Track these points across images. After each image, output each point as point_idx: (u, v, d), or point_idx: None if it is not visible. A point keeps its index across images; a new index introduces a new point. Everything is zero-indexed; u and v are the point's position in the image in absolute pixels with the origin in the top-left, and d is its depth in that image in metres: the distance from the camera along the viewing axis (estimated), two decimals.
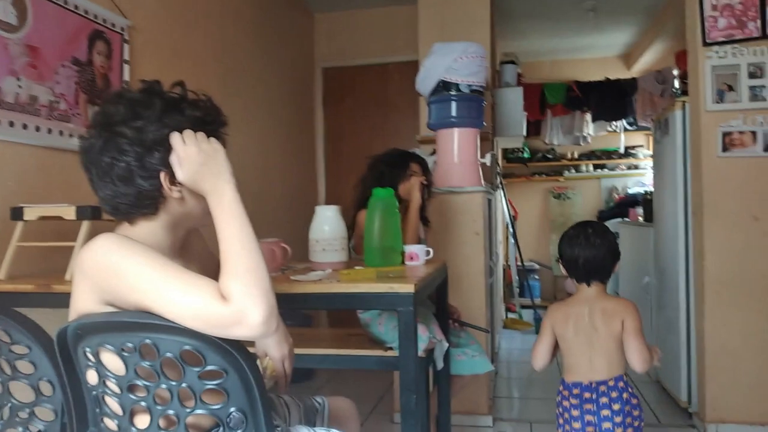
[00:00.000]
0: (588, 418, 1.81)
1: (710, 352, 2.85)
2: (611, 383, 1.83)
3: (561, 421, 1.90)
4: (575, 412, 1.84)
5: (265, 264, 1.03)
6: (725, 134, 2.81)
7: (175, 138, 1.10)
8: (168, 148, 1.10)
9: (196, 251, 1.34)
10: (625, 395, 1.83)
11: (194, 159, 1.09)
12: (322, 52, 4.90)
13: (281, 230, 3.70)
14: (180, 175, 1.10)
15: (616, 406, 1.80)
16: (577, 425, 1.83)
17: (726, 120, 2.81)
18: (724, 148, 2.81)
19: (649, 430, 2.95)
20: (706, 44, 2.84)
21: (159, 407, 1.04)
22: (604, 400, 1.81)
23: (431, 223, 2.66)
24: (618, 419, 1.79)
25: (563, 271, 2.00)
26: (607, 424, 1.79)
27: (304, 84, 4.71)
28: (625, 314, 1.88)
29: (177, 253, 1.21)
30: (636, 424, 1.83)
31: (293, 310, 2.12)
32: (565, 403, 1.88)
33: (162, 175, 1.10)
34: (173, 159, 1.10)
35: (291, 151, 4.37)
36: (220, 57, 3.36)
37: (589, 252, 1.89)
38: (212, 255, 1.44)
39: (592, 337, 1.87)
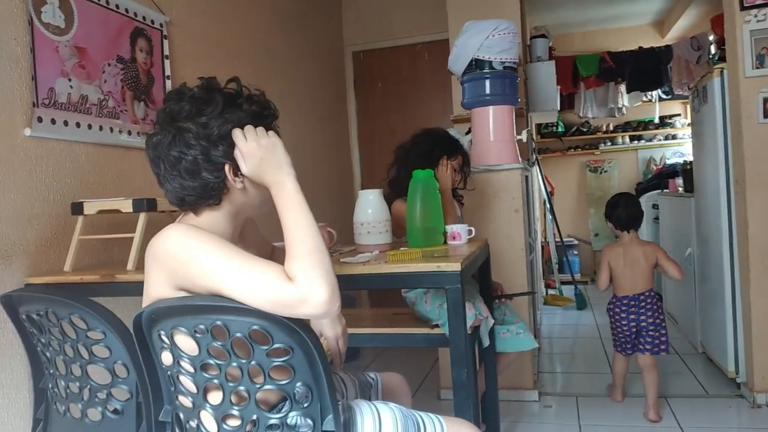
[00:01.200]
0: (632, 317, 2.82)
1: (757, 321, 2.83)
2: (647, 293, 2.84)
3: (612, 322, 2.91)
4: (623, 315, 2.84)
5: (326, 247, 1.09)
6: (766, 100, 2.76)
7: (236, 134, 1.16)
8: (231, 142, 1.16)
9: (252, 238, 1.41)
10: (655, 300, 2.84)
11: (255, 153, 1.15)
12: (350, 36, 4.92)
13: (321, 214, 3.75)
14: (244, 168, 1.16)
15: (650, 311, 2.82)
16: (625, 323, 2.84)
17: (767, 85, 2.75)
18: (766, 114, 2.76)
19: (697, 402, 2.95)
20: (743, 8, 2.78)
21: (231, 384, 1.11)
22: (642, 305, 2.82)
23: (468, 201, 2.68)
24: (651, 318, 2.81)
25: (611, 229, 2.96)
26: (643, 321, 2.81)
27: (335, 69, 4.75)
28: (657, 250, 2.90)
29: (236, 240, 1.27)
30: (661, 319, 2.83)
31: (344, 291, 2.16)
32: (617, 310, 2.87)
33: (226, 168, 1.16)
34: (237, 154, 1.16)
35: (326, 135, 4.42)
36: (252, 47, 3.42)
37: (627, 211, 2.89)
38: (266, 241, 1.50)
39: (634, 265, 2.85)
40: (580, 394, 3.13)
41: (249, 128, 1.17)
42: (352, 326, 2.10)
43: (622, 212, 2.87)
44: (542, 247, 5.79)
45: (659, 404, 2.79)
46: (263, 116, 1.22)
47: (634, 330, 2.81)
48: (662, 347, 2.79)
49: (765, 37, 2.76)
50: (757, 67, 2.77)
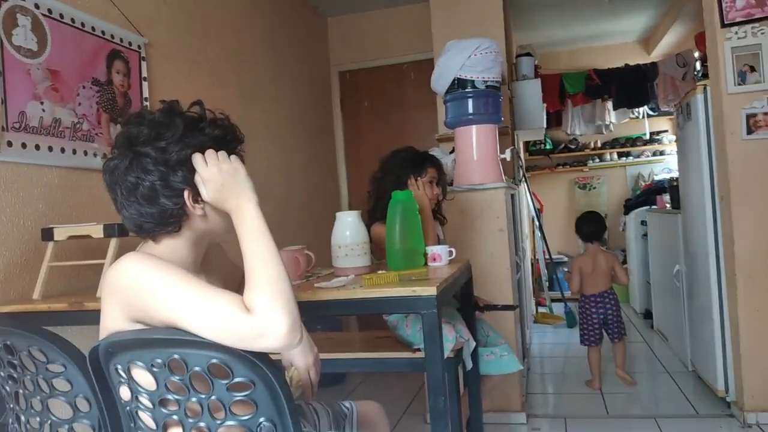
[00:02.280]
0: (600, 311, 3.54)
1: (746, 339, 2.79)
2: (608, 291, 3.57)
3: (583, 317, 3.60)
4: (593, 309, 3.56)
5: (287, 276, 1.05)
6: (749, 116, 2.75)
7: (197, 159, 1.12)
8: (190, 168, 1.13)
9: (218, 264, 1.37)
10: (615, 297, 3.58)
11: (216, 179, 1.12)
12: (337, 55, 4.93)
13: (306, 235, 3.73)
14: (205, 194, 1.13)
15: (611, 305, 3.55)
16: (594, 316, 3.55)
17: (749, 102, 2.75)
18: (749, 131, 2.75)
19: (688, 422, 2.91)
20: (724, 25, 2.78)
21: (191, 420, 1.07)
22: (606, 300, 3.54)
23: (452, 221, 2.65)
24: (612, 309, 3.54)
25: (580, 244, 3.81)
26: (610, 312, 3.53)
27: (321, 89, 4.74)
28: (614, 259, 3.64)
29: (200, 267, 1.23)
30: (620, 311, 3.59)
31: (318, 316, 2.13)
32: (587, 306, 3.58)
33: (186, 194, 1.13)
34: (197, 179, 1.13)
35: (312, 155, 4.40)
36: (237, 68, 3.40)
37: (589, 227, 3.66)
38: (235, 266, 1.46)
39: (598, 269, 3.58)
40: (569, 416, 3.08)
41: (210, 153, 1.13)
42: (334, 351, 2.07)
43: (585, 227, 3.66)
44: (532, 264, 5.76)
45: (627, 371, 3.59)
46: (226, 141, 1.19)
47: (601, 321, 3.53)
48: (623, 332, 3.56)
49: (746, 54, 2.77)
50: (739, 84, 2.77)
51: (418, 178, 2.36)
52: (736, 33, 2.77)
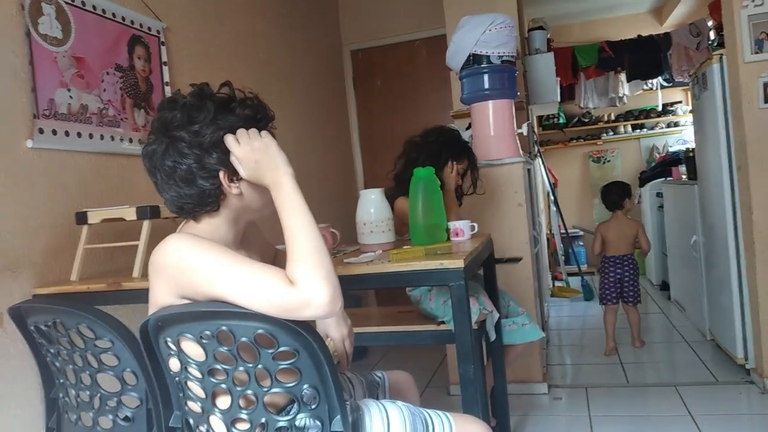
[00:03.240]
0: (618, 271, 3.72)
1: (765, 306, 2.82)
2: (628, 255, 3.73)
3: (603, 276, 3.79)
4: (611, 269, 3.74)
5: (326, 248, 1.09)
6: (766, 84, 2.75)
7: (229, 140, 1.16)
8: (224, 149, 1.16)
9: (255, 242, 1.41)
10: (634, 262, 3.74)
11: (250, 156, 1.15)
12: (348, 34, 4.93)
13: (324, 214, 3.77)
14: (242, 173, 1.17)
15: (629, 269, 3.72)
16: (612, 276, 3.74)
17: (766, 70, 2.74)
18: (766, 99, 2.75)
19: (707, 389, 2.95)
20: None
21: (238, 388, 1.12)
22: (625, 263, 3.72)
23: (470, 197, 2.68)
24: (629, 274, 3.71)
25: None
26: (626, 276, 3.71)
27: (334, 68, 4.75)
28: (638, 226, 3.80)
29: (239, 245, 1.28)
30: (637, 276, 3.75)
31: (348, 291, 2.18)
32: (606, 265, 3.76)
33: (221, 174, 1.17)
34: (233, 159, 1.17)
35: (327, 135, 4.43)
36: (251, 50, 3.43)
37: (610, 197, 3.82)
38: (269, 244, 1.51)
39: (620, 235, 3.74)
40: (589, 385, 3.13)
41: (241, 132, 1.17)
42: (358, 325, 2.12)
43: (607, 198, 3.84)
44: (548, 239, 5.79)
45: (641, 336, 3.78)
46: (257, 120, 1.22)
47: (618, 282, 3.72)
48: (638, 298, 3.73)
49: (763, 22, 2.75)
50: (756, 52, 2.76)
51: (455, 163, 2.41)
52: (753, 1, 2.75)
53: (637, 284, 3.72)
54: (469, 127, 3.18)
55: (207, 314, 1.09)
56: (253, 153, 1.16)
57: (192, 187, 1.17)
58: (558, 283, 5.66)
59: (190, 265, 1.09)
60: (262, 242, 1.47)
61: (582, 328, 4.45)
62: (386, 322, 2.29)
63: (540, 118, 6.69)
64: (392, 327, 2.13)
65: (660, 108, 6.58)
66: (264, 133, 1.19)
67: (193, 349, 1.12)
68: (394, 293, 4.20)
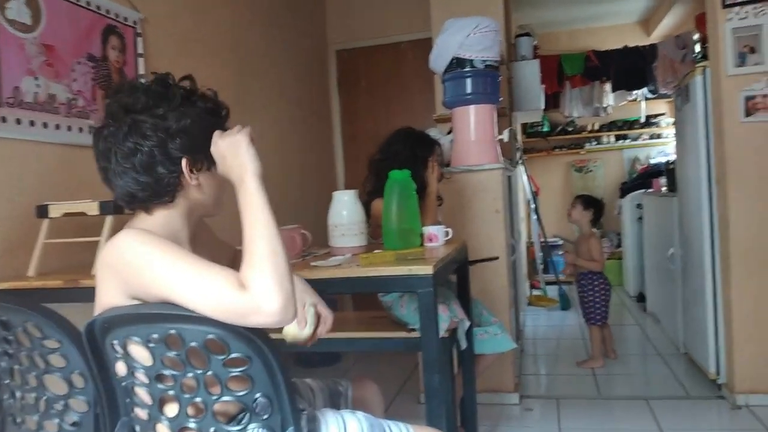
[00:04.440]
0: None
1: (738, 322, 2.82)
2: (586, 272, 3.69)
3: (606, 295, 3.60)
4: (608, 286, 3.63)
5: (283, 252, 1.04)
6: (748, 98, 2.74)
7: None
8: (189, 137, 1.13)
9: (207, 241, 1.36)
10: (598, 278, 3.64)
11: (217, 152, 1.15)
12: (334, 34, 4.88)
13: (303, 215, 3.71)
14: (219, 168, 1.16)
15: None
16: (608, 293, 3.58)
17: (748, 84, 2.74)
18: (747, 113, 2.75)
19: (678, 403, 2.94)
20: (725, 6, 2.76)
21: (186, 395, 1.07)
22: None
23: (447, 202, 2.65)
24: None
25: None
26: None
27: (318, 67, 4.70)
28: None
29: (190, 242, 1.23)
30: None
31: (322, 295, 2.13)
32: (605, 282, 3.61)
33: (184, 162, 1.13)
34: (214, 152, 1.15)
35: (308, 135, 4.38)
36: (233, 44, 3.37)
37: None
38: (224, 244, 1.46)
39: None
40: (561, 396, 3.11)
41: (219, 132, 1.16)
42: (330, 330, 2.07)
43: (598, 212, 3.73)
44: (527, 247, 5.78)
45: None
46: (218, 114, 1.20)
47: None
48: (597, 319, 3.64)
49: (747, 35, 2.75)
50: (739, 65, 2.76)
51: (430, 159, 2.38)
52: (737, 14, 2.76)
53: (600, 303, 3.61)
54: (450, 131, 3.15)
55: (155, 317, 1.04)
56: (221, 149, 1.14)
57: (150, 174, 1.12)
58: (536, 292, 5.65)
59: (142, 262, 1.04)
60: (214, 241, 1.41)
61: (558, 338, 4.44)
62: (359, 327, 2.25)
63: (524, 125, 6.69)
64: (364, 333, 2.09)
65: (643, 119, 6.61)
66: (239, 128, 1.16)
67: (140, 352, 1.07)
68: (370, 297, 4.15)
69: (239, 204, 1.11)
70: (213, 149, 1.15)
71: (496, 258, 2.75)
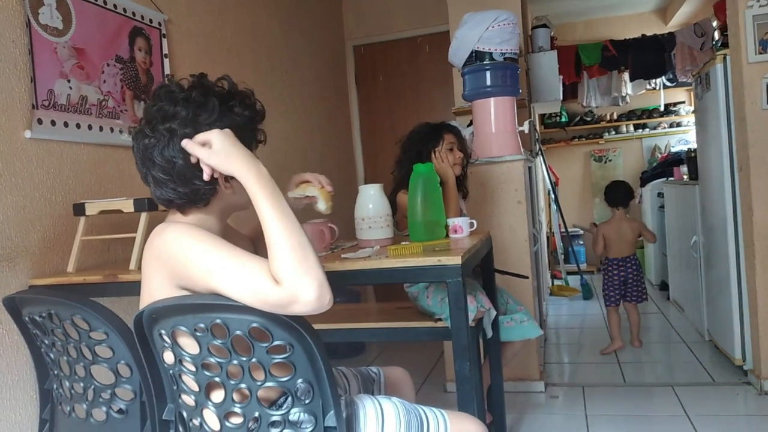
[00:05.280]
0: (622, 274, 3.72)
1: (763, 307, 2.81)
2: (631, 257, 3.73)
3: (606, 278, 3.79)
4: (615, 271, 3.74)
5: (306, 240, 1.06)
6: None
7: (188, 145, 1.12)
8: None
9: (235, 231, 1.39)
10: (637, 262, 3.75)
11: (211, 160, 1.11)
12: (351, 30, 4.91)
13: None
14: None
15: (633, 270, 3.73)
16: (616, 278, 3.73)
17: None
18: None
19: (704, 390, 2.94)
20: None
21: (232, 382, 1.12)
22: (628, 265, 3.72)
23: (471, 194, 2.67)
24: (633, 274, 3.72)
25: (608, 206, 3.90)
26: (630, 277, 3.71)
27: (336, 64, 4.74)
28: (639, 225, 3.86)
29: (223, 236, 1.26)
30: (641, 275, 3.76)
31: (346, 285, 2.19)
32: (609, 268, 3.76)
33: (215, 176, 1.14)
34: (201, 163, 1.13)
35: (328, 131, 4.42)
36: (252, 43, 3.41)
37: (615, 194, 3.81)
38: (237, 231, 1.47)
39: (622, 236, 3.73)
40: (586, 384, 3.13)
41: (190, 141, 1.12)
42: (354, 321, 2.12)
43: (611, 194, 3.82)
44: (548, 237, 5.78)
45: (640, 335, 3.78)
46: (255, 121, 1.22)
47: (622, 281, 3.72)
48: (643, 296, 3.73)
49: (767, 23, 2.73)
50: (760, 53, 2.75)
51: (437, 150, 2.39)
52: (758, 1, 2.74)
53: (641, 283, 3.73)
54: (470, 124, 3.17)
55: (201, 307, 1.08)
56: (213, 155, 1.11)
57: (188, 185, 1.15)
58: (557, 282, 5.65)
59: (189, 254, 1.07)
60: (233, 231, 1.43)
61: (580, 327, 4.45)
62: (384, 318, 2.29)
63: (542, 116, 6.67)
64: (389, 323, 2.12)
65: (662, 108, 6.56)
66: (215, 132, 1.12)
67: (187, 341, 1.12)
68: (392, 289, 4.20)
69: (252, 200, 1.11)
70: (203, 157, 1.11)
71: (526, 277, 2.76)
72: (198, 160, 1.13)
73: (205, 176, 1.13)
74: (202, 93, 1.15)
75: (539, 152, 5.03)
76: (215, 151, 1.10)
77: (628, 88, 6.36)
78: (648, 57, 6.01)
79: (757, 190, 2.79)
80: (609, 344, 3.67)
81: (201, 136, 1.12)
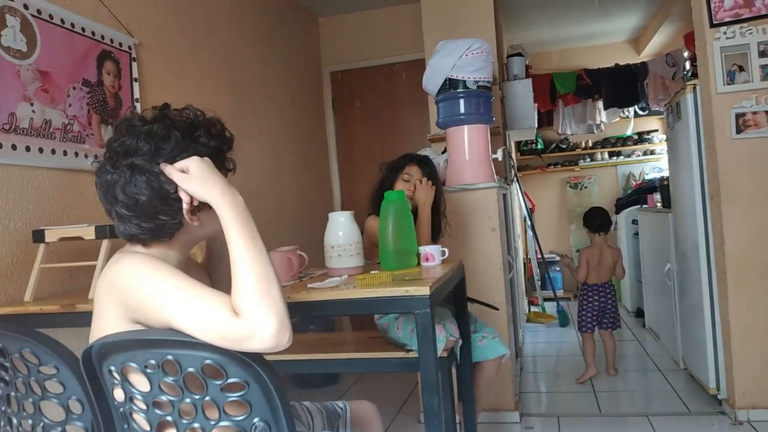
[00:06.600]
0: (601, 300, 3.73)
1: (736, 336, 2.82)
2: (608, 283, 3.76)
3: (583, 304, 3.78)
4: (594, 298, 3.75)
5: (273, 274, 1.03)
6: (738, 115, 2.77)
7: (168, 170, 1.10)
8: None
9: (190, 261, 1.35)
10: (613, 289, 3.78)
11: (184, 186, 1.10)
12: (328, 56, 4.93)
13: (300, 236, 3.72)
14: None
15: (610, 297, 3.74)
16: (595, 304, 3.74)
17: (738, 101, 2.77)
18: (738, 130, 2.78)
19: (679, 419, 2.92)
20: (713, 25, 2.80)
21: (184, 421, 1.07)
22: (605, 291, 3.74)
23: (449, 229, 2.64)
24: (610, 301, 3.73)
25: (586, 233, 3.92)
26: (607, 303, 3.72)
27: (313, 89, 4.74)
28: (618, 254, 3.80)
29: (182, 268, 1.22)
30: (616, 303, 3.78)
31: (311, 316, 2.15)
32: (588, 294, 3.77)
33: (185, 207, 1.12)
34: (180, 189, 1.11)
35: (304, 156, 4.39)
36: (228, 68, 3.39)
37: (597, 220, 3.81)
38: (195, 262, 1.43)
39: (602, 262, 3.74)
40: (562, 414, 3.09)
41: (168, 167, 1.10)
42: (327, 351, 2.07)
43: (593, 220, 3.83)
44: (524, 264, 5.78)
45: (616, 366, 3.77)
46: (221, 150, 1.18)
47: (599, 309, 3.73)
48: (617, 323, 3.77)
49: (735, 54, 2.79)
50: (728, 83, 2.79)
51: (399, 177, 2.42)
52: (725, 33, 2.79)
53: (617, 310, 3.76)
54: (444, 151, 3.17)
55: (152, 342, 1.04)
56: (188, 181, 1.09)
57: (152, 220, 1.12)
58: (534, 309, 5.64)
59: (144, 287, 1.03)
60: (192, 262, 1.39)
61: (557, 354, 4.42)
62: (356, 348, 2.24)
63: (519, 143, 6.73)
64: (361, 354, 2.08)
65: (629, 133, 6.67)
66: (194, 159, 1.11)
67: (138, 378, 1.07)
68: (367, 317, 4.14)
69: (224, 230, 1.09)
70: (180, 182, 1.09)
71: (497, 308, 2.74)
72: (177, 188, 1.10)
73: (184, 204, 1.11)
74: (164, 126, 1.12)
75: (515, 179, 5.05)
76: (192, 176, 1.09)
77: (602, 116, 6.46)
78: (621, 86, 6.11)
79: (728, 218, 2.81)
80: (584, 372, 3.64)
81: (180, 163, 1.10)
